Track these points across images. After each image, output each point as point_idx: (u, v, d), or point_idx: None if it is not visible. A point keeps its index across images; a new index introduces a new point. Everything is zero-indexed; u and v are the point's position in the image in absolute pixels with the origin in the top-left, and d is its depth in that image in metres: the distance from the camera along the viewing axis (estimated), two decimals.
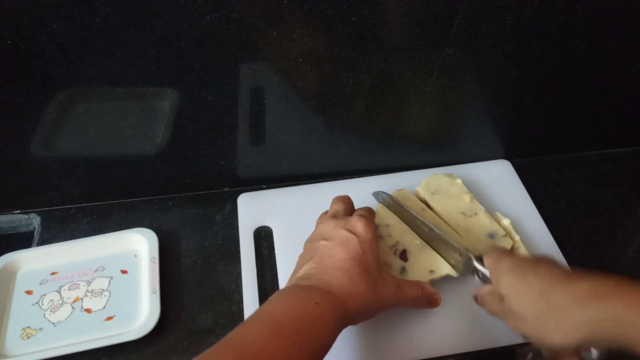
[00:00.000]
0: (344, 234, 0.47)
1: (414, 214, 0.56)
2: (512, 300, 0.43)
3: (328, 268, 0.45)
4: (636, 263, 0.60)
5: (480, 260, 0.50)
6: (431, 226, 0.55)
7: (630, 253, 0.61)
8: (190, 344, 0.53)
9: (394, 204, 0.59)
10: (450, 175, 0.63)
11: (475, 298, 0.50)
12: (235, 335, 0.39)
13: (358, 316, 0.46)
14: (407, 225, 0.58)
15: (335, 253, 0.46)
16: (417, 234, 0.57)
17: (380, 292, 0.47)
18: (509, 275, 0.45)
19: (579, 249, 0.60)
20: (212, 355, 0.37)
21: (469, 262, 0.51)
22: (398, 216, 0.59)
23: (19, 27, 0.48)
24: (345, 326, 0.44)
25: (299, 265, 0.48)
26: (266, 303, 0.42)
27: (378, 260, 0.48)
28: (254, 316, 0.41)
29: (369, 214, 0.51)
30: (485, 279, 0.50)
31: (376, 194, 0.61)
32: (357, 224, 0.48)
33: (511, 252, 0.49)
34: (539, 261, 0.45)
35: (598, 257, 0.60)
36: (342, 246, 0.46)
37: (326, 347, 0.41)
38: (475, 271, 0.51)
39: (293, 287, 0.45)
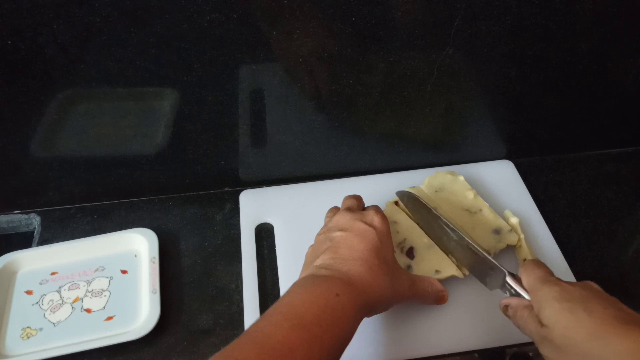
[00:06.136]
0: (362, 225, 0.47)
1: (446, 221, 0.54)
2: (555, 331, 0.40)
3: (347, 259, 0.45)
4: (636, 263, 0.60)
5: (513, 276, 0.47)
6: (462, 235, 0.52)
7: (630, 253, 0.61)
8: (190, 344, 0.53)
9: (412, 206, 0.58)
10: (452, 173, 0.63)
11: (504, 307, 0.47)
12: (255, 329, 0.38)
13: (376, 307, 0.46)
14: (422, 224, 0.57)
15: (353, 244, 0.46)
16: (428, 234, 0.57)
17: (396, 285, 0.47)
18: (555, 305, 0.41)
19: (579, 249, 0.60)
20: (233, 350, 0.36)
21: (501, 277, 0.48)
22: (415, 215, 0.58)
23: (19, 27, 0.48)
24: (363, 317, 0.44)
25: (313, 256, 0.48)
26: (285, 295, 0.42)
27: (393, 254, 0.48)
28: (273, 309, 0.40)
29: (380, 210, 0.51)
30: (518, 297, 0.46)
31: (400, 193, 0.60)
32: (374, 217, 0.48)
33: (552, 275, 0.45)
34: (588, 293, 0.41)
35: (598, 257, 0.60)
36: (360, 237, 0.46)
37: (347, 340, 0.41)
38: (508, 288, 0.47)
39: (312, 277, 0.44)
